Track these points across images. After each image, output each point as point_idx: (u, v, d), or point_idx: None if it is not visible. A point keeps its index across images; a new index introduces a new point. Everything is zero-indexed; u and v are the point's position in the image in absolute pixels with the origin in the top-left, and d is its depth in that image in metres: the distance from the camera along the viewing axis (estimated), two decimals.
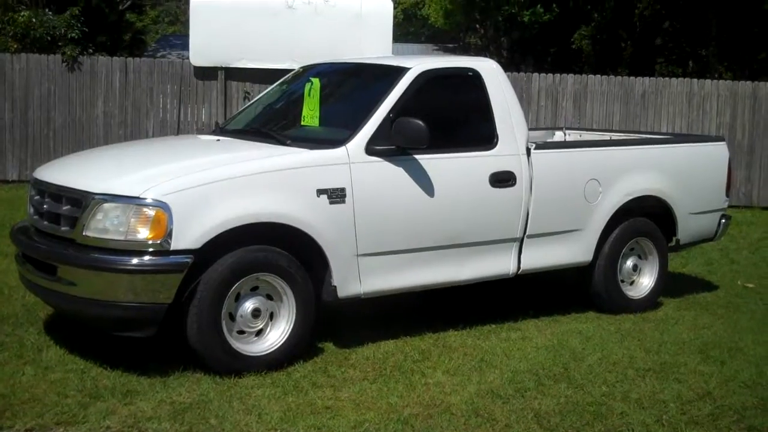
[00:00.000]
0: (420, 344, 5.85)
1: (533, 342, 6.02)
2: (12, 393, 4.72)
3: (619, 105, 14.61)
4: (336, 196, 5.39)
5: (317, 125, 6.01)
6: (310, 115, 6.08)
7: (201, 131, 14.01)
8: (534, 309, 6.84)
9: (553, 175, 6.39)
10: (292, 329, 5.30)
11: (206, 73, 14.14)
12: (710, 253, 9.74)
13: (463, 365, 5.45)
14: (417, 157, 5.72)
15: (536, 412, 4.72)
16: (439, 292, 6.31)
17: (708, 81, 15.05)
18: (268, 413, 4.56)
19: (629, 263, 7.06)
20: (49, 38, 14.38)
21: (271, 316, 5.31)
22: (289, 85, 6.91)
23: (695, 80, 14.98)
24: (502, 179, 6.11)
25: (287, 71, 13.52)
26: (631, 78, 14.86)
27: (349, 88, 6.57)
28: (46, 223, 5.36)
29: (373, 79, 6.32)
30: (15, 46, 14.33)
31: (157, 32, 45.43)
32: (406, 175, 5.69)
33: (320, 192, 5.35)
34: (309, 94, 6.12)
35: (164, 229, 4.84)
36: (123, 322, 4.96)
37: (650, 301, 7.15)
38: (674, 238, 7.34)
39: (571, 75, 14.72)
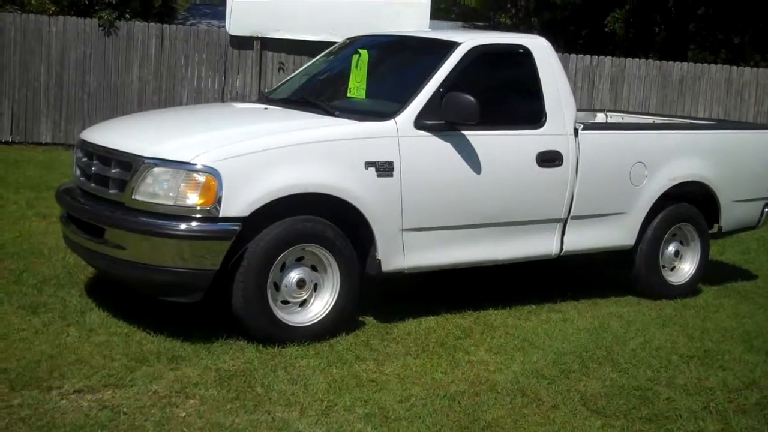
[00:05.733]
0: (461, 322, 5.83)
1: (574, 324, 5.98)
2: (59, 354, 4.74)
3: (656, 89, 14.47)
4: (384, 169, 5.35)
5: (364, 97, 5.96)
6: (357, 87, 6.03)
7: (234, 100, 14.01)
8: (572, 291, 6.79)
9: (599, 157, 6.32)
10: (336, 301, 5.29)
11: (242, 43, 14.12)
12: (747, 242, 9.62)
13: (506, 344, 5.42)
14: (465, 133, 5.66)
15: (582, 394, 4.69)
16: (478, 271, 6.27)
17: (747, 69, 14.90)
18: (313, 384, 4.55)
19: (671, 249, 6.98)
20: (86, 1, 14.38)
21: (315, 287, 5.30)
22: (335, 57, 6.85)
23: (734, 67, 14.82)
24: (549, 159, 6.05)
25: (324, 43, 13.53)
26: (670, 63, 14.72)
27: (397, 61, 6.48)
28: (93, 185, 5.36)
29: (422, 52, 6.25)
30: (53, 8, 14.35)
31: (186, 1, 45.33)
32: (454, 150, 5.64)
33: (368, 164, 5.31)
34: (356, 66, 6.07)
35: (214, 196, 4.82)
36: (169, 286, 4.96)
37: (690, 288, 7.08)
38: (717, 225, 7.26)
39: (609, 57, 14.59)
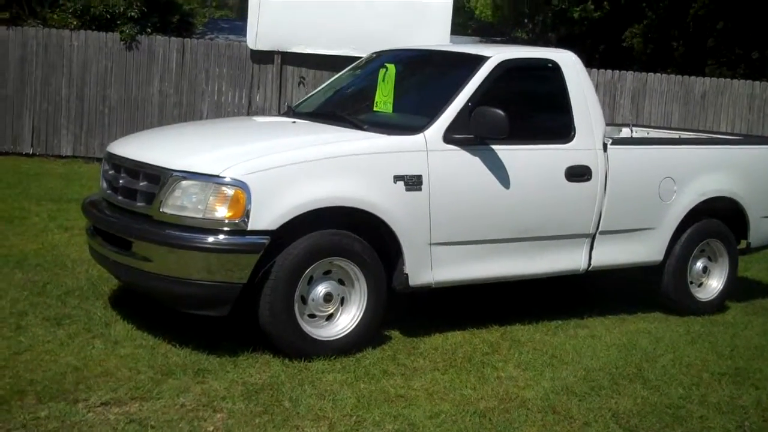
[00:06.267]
0: (488, 337, 5.77)
1: (603, 340, 5.91)
2: (84, 366, 4.71)
3: (678, 105, 14.39)
4: (413, 183, 5.31)
5: (391, 111, 5.93)
6: (384, 101, 6.01)
7: (255, 114, 14.03)
8: (599, 307, 6.72)
9: (628, 172, 6.26)
10: (363, 315, 5.24)
11: (262, 57, 14.13)
12: None
13: (534, 360, 5.36)
14: (494, 147, 5.62)
15: (614, 411, 4.61)
16: (503, 285, 6.21)
17: None
18: (341, 399, 4.50)
19: (699, 265, 6.90)
20: (108, 16, 14.44)
21: (342, 301, 5.25)
22: (361, 71, 6.83)
23: (757, 82, 14.72)
24: (578, 173, 5.99)
25: (345, 58, 13.55)
26: (692, 78, 14.64)
27: (424, 75, 6.43)
28: (120, 198, 5.34)
29: (450, 66, 6.21)
30: (75, 22, 14.42)
31: (204, 15, 45.53)
32: (483, 165, 5.59)
33: (397, 178, 5.26)
34: (383, 80, 6.04)
35: (242, 209, 4.79)
36: (197, 299, 4.92)
37: (718, 305, 7.00)
38: (746, 242, 7.18)
39: (630, 72, 14.52)
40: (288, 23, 13.75)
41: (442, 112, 5.53)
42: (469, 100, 5.59)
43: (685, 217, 6.61)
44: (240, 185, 4.81)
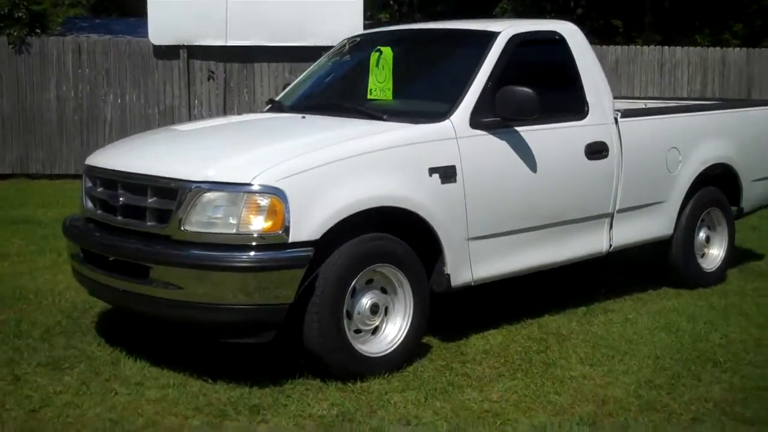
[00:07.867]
0: (527, 332, 5.38)
1: (640, 324, 5.60)
2: (121, 417, 4.05)
3: None
4: (447, 174, 4.84)
5: (390, 98, 5.44)
6: (380, 87, 5.51)
7: (163, 114, 13.18)
8: (606, 287, 6.42)
9: (639, 145, 5.98)
10: (411, 324, 4.75)
11: (167, 52, 13.24)
12: (746, 220, 9.25)
13: (594, 353, 4.99)
14: (518, 129, 5.21)
15: (713, 401, 4.29)
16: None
17: (678, 48, 14.96)
18: (428, 423, 4.01)
19: (702, 235, 6.72)
20: None
21: (386, 311, 4.74)
22: (347, 57, 6.25)
23: (666, 48, 14.89)
24: (596, 150, 5.67)
25: (253, 48, 12.87)
26: (604, 47, 14.69)
27: (424, 57, 5.91)
28: (121, 217, 4.66)
29: (454, 45, 5.77)
30: None
31: (57, 15, 43.31)
32: (510, 149, 5.18)
33: (432, 171, 4.79)
34: (377, 65, 5.54)
35: (281, 219, 4.22)
36: (238, 327, 4.32)
37: (722, 274, 6.83)
38: (739, 207, 7.05)
39: None
40: (192, 15, 12.90)
41: (464, 95, 5.08)
42: (488, 80, 5.16)
43: (689, 187, 6.40)
44: (275, 192, 4.23)
